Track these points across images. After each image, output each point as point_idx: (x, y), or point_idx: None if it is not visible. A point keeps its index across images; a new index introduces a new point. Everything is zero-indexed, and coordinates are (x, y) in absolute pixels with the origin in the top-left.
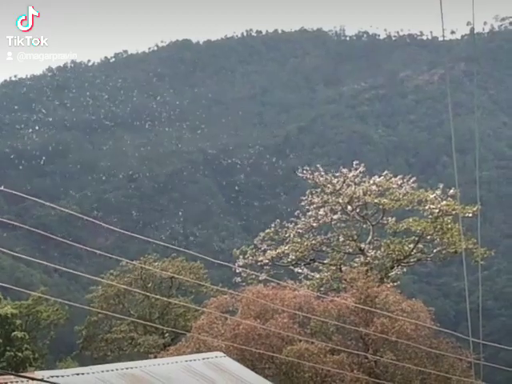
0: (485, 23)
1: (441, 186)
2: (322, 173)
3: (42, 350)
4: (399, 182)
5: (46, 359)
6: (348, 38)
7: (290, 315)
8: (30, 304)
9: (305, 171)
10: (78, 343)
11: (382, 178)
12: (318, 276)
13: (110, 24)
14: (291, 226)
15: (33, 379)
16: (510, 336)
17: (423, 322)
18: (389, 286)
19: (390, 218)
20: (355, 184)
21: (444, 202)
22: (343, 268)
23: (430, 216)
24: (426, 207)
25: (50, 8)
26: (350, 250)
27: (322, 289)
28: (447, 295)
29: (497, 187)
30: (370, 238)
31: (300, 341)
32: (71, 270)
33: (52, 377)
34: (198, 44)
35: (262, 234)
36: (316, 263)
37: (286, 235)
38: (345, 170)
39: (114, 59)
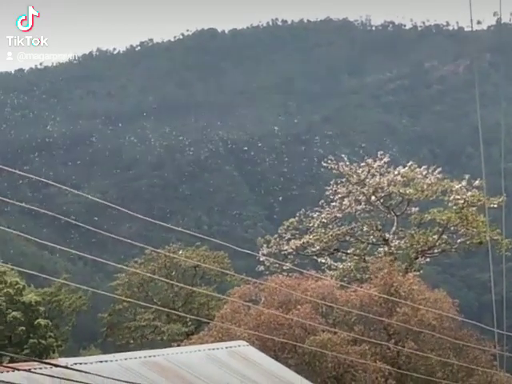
0: (511, 14)
1: (466, 176)
2: (347, 163)
3: (65, 338)
4: (424, 173)
5: (70, 347)
6: (374, 29)
7: (313, 305)
8: (53, 291)
9: (329, 161)
10: (102, 331)
11: (407, 168)
12: (341, 266)
13: (135, 12)
14: (315, 215)
15: (57, 366)
16: None
17: (446, 313)
18: (412, 275)
19: (413, 209)
20: (380, 174)
21: (469, 193)
22: (367, 258)
23: (455, 207)
24: (451, 198)
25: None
26: (374, 240)
27: (345, 279)
28: (471, 287)
29: None
30: (394, 228)
31: (323, 331)
32: (95, 258)
33: (76, 364)
34: (223, 33)
35: (285, 224)
36: (339, 253)
37: (310, 225)
38: (370, 160)
39: (139, 48)
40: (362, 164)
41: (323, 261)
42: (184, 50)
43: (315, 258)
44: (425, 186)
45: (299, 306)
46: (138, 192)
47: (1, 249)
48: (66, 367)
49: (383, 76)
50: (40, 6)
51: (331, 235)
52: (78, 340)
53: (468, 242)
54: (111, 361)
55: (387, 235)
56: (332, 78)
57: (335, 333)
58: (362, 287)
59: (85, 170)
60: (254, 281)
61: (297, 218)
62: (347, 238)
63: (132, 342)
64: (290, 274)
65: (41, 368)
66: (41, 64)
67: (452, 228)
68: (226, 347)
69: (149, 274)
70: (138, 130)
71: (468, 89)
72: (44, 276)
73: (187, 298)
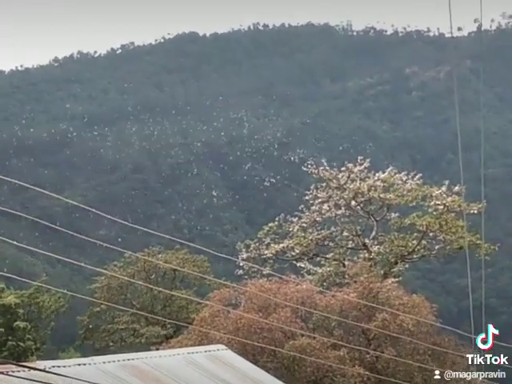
0: (492, 20)
1: (446, 182)
2: (327, 167)
3: (43, 340)
4: (404, 178)
5: (48, 349)
6: (355, 34)
7: (293, 309)
8: (31, 293)
9: (310, 165)
10: (80, 333)
11: (387, 173)
12: (320, 271)
13: (116, 15)
14: (295, 220)
15: (34, 369)
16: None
17: (425, 318)
18: (391, 281)
19: (393, 214)
20: (360, 179)
21: (449, 199)
22: (346, 263)
23: (434, 212)
24: (431, 203)
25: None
26: (354, 245)
27: (324, 283)
28: (450, 292)
29: (502, 185)
30: (373, 233)
31: (302, 335)
32: (74, 261)
33: (53, 367)
34: (204, 37)
35: (265, 228)
36: (319, 258)
37: (290, 229)
38: (350, 165)
39: (120, 51)
40: (342, 169)
41: (302, 265)
42: (165, 54)
43: (294, 262)
44: (405, 192)
45: (279, 310)
46: (118, 195)
47: None
48: (43, 370)
49: (364, 81)
50: (25, 9)
51: (311, 239)
52: (56, 342)
53: (448, 248)
54: (89, 364)
55: (367, 240)
56: (313, 83)
57: (314, 337)
58: (341, 292)
59: (65, 173)
60: (233, 285)
61: (276, 223)
62: (326, 242)
63: (111, 344)
64: (270, 279)
65: (18, 371)
66: (21, 66)
67: (431, 234)
68: (205, 351)
69: (127, 278)
70: (119, 133)
71: (448, 95)
72: (22, 280)
73: (166, 302)
